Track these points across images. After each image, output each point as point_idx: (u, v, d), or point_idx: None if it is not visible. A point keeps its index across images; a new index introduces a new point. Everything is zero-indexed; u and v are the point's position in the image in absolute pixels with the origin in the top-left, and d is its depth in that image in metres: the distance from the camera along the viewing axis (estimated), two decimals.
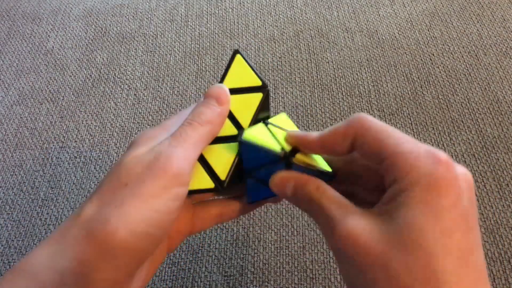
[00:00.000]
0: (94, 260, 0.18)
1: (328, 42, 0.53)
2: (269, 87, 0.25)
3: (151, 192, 0.19)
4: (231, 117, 0.25)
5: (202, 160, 0.24)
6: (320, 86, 0.49)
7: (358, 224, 0.17)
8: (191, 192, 0.24)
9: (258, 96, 0.25)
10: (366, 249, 0.17)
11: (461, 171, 0.17)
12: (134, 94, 0.50)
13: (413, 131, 0.44)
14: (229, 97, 0.24)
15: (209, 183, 0.24)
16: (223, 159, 0.24)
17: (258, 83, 0.25)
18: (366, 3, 0.57)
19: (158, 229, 0.20)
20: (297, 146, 0.23)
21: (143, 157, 0.21)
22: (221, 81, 0.26)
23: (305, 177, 0.22)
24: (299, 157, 0.23)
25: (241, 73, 0.25)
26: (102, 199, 0.19)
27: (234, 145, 0.25)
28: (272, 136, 0.24)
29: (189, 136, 0.22)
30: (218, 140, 0.25)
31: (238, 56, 0.26)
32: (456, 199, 0.16)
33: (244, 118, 0.25)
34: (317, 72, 0.50)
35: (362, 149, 0.20)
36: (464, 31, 0.53)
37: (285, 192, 0.22)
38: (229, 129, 0.25)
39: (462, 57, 0.51)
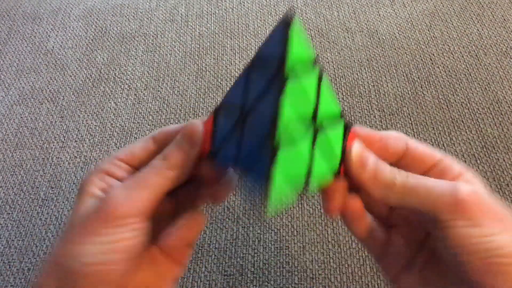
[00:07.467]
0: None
1: (328, 42, 0.53)
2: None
3: (94, 232, 0.20)
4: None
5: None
6: None
7: (467, 185, 0.20)
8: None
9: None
10: (489, 204, 0.19)
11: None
12: (134, 94, 0.50)
13: (413, 131, 0.44)
14: (201, 138, 0.22)
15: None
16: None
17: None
18: (366, 3, 0.57)
19: (107, 265, 0.20)
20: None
21: (95, 203, 0.21)
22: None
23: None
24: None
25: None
26: (62, 237, 0.21)
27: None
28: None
29: (150, 181, 0.21)
30: None
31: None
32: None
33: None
34: None
35: (414, 153, 0.23)
36: (465, 31, 0.53)
37: (363, 173, 0.22)
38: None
39: (462, 57, 0.51)
